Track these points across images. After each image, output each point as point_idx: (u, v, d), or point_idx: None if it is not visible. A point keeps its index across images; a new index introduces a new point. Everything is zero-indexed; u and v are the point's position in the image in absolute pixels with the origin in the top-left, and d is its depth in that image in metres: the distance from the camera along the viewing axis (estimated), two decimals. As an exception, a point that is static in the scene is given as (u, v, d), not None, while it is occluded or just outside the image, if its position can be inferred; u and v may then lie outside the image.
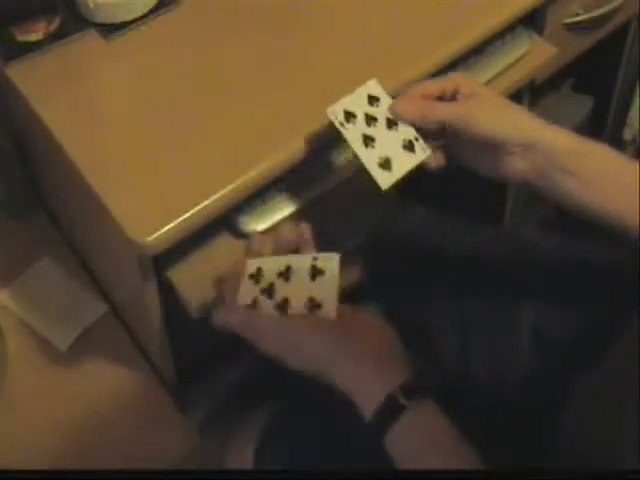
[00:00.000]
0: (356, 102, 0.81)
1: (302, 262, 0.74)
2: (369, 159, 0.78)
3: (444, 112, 0.79)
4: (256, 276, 0.74)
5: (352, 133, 0.79)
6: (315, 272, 0.73)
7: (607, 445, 0.69)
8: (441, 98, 0.81)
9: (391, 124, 0.80)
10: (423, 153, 0.80)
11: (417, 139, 0.80)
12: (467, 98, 0.79)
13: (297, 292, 0.73)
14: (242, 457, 0.93)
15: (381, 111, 0.81)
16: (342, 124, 0.79)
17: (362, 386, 0.69)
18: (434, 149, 0.81)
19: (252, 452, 0.92)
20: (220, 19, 0.99)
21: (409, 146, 0.80)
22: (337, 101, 0.80)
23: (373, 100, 0.81)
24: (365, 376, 0.69)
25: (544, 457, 0.78)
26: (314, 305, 0.71)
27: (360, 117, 0.80)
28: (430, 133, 0.81)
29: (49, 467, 0.94)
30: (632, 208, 0.75)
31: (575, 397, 0.79)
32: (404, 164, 0.79)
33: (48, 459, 0.96)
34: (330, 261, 0.74)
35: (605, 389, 0.75)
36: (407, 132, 0.80)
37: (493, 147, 0.77)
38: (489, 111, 0.78)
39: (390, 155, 0.79)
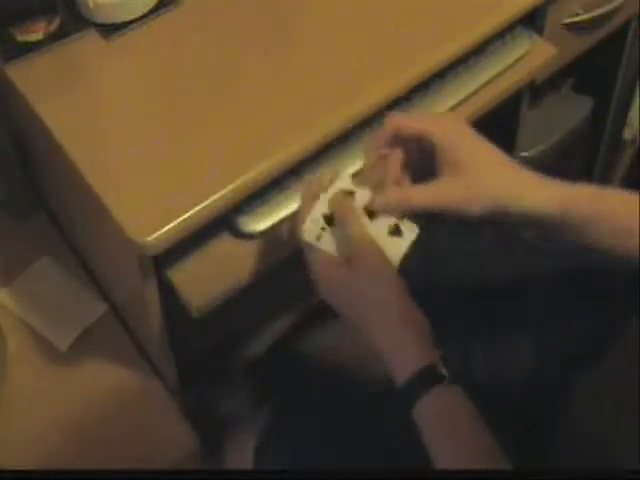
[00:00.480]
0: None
1: (389, 218, 0.77)
2: None
3: (419, 201, 0.76)
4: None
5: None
6: (395, 231, 0.76)
7: (607, 445, 0.69)
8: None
9: (372, 214, 0.77)
10: (412, 233, 0.77)
11: (402, 218, 0.77)
12: (445, 170, 0.75)
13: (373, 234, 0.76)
14: (242, 457, 0.93)
15: (359, 206, 0.77)
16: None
17: (403, 348, 0.71)
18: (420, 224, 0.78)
19: (252, 452, 0.92)
20: (220, 19, 0.99)
21: (396, 231, 0.77)
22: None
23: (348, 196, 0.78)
24: (408, 339, 0.71)
25: (544, 457, 0.78)
26: None
27: None
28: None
29: (49, 467, 0.94)
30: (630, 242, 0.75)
31: (575, 397, 0.79)
32: (395, 252, 0.76)
33: (48, 459, 0.96)
34: (411, 229, 0.77)
35: (605, 389, 0.75)
36: (390, 217, 0.77)
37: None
38: (465, 192, 0.74)
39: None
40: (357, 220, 0.75)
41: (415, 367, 0.69)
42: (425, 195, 0.76)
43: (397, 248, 0.76)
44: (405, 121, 0.79)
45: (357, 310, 0.74)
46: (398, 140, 0.78)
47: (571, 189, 0.76)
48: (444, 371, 0.69)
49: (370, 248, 0.74)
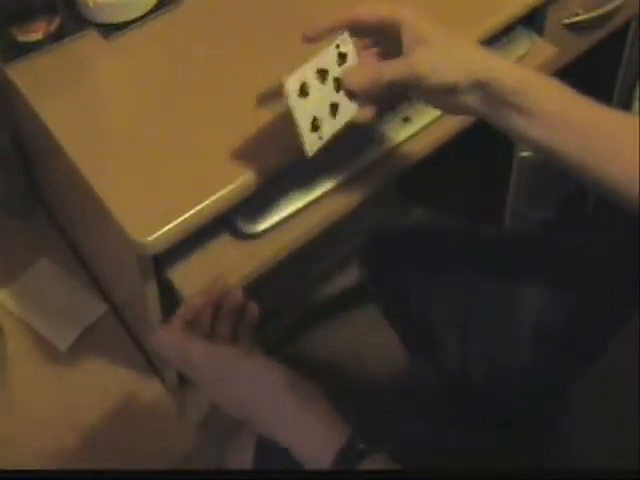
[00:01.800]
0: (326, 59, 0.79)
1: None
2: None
3: (392, 72, 0.75)
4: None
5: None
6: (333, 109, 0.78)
7: (607, 445, 0.69)
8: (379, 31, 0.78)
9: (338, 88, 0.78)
10: (349, 113, 0.78)
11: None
12: (413, 45, 0.74)
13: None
14: (242, 457, 0.93)
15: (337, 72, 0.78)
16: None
17: (315, 436, 0.68)
18: (361, 105, 0.79)
19: (252, 452, 0.92)
20: (220, 19, 0.99)
21: (333, 109, 0.78)
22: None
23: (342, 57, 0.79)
24: (318, 424, 0.68)
25: (544, 457, 0.78)
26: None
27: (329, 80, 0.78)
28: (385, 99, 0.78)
29: (49, 467, 0.94)
30: (585, 148, 0.75)
31: (575, 396, 0.79)
32: (328, 129, 0.77)
33: (48, 459, 0.96)
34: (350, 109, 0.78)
35: (605, 388, 0.75)
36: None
37: (446, 90, 0.75)
38: (437, 59, 0.74)
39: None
40: (200, 342, 0.74)
41: (334, 449, 0.66)
42: (397, 67, 0.74)
43: (331, 126, 0.77)
44: (362, 12, 0.77)
45: (246, 405, 0.71)
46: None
47: (538, 75, 0.76)
48: (362, 445, 0.66)
49: (228, 353, 0.73)
